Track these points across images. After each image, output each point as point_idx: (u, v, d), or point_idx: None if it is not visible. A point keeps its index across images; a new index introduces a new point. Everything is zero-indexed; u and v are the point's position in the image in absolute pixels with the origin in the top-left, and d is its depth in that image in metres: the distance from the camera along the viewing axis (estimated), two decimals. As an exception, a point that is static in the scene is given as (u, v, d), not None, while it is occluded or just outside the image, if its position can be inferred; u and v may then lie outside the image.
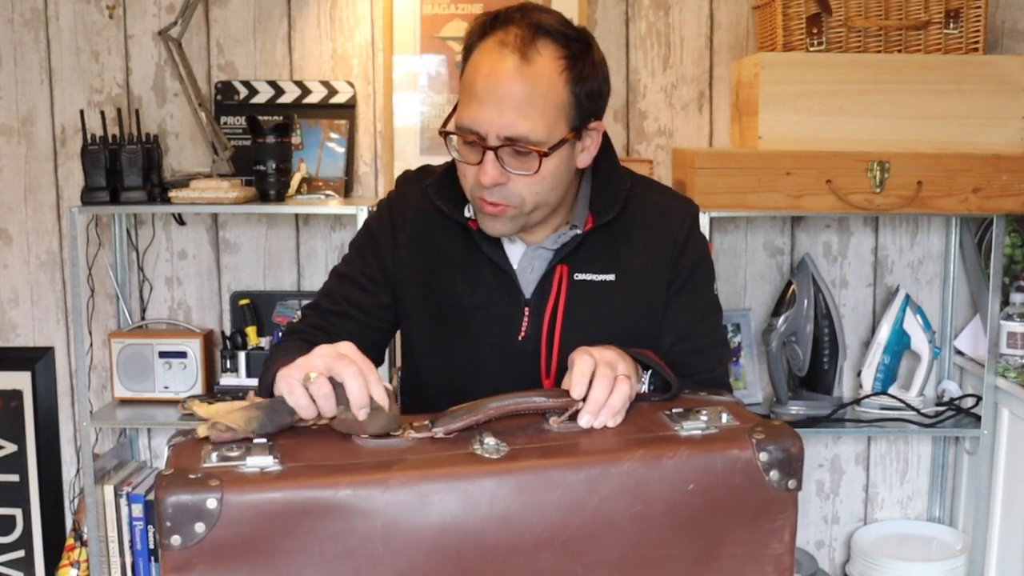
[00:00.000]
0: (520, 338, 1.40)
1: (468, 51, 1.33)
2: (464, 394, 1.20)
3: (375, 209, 1.52)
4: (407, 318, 1.46)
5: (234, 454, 1.02)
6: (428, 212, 1.44)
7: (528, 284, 1.42)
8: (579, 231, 1.40)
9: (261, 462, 1.00)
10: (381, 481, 0.99)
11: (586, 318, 1.39)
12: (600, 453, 1.06)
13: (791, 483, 1.09)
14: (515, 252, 1.43)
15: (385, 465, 1.01)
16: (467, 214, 1.41)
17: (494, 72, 1.28)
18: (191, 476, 0.98)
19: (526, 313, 1.40)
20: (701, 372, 1.42)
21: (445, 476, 1.01)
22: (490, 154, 1.29)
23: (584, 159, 1.39)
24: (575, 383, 1.13)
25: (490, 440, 1.05)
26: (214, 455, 1.02)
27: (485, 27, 1.32)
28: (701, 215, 2.28)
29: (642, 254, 1.42)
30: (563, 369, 1.24)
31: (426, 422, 1.09)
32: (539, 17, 1.31)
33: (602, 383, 1.13)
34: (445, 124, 1.36)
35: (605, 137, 1.44)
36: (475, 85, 1.29)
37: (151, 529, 2.54)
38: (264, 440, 1.06)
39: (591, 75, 1.35)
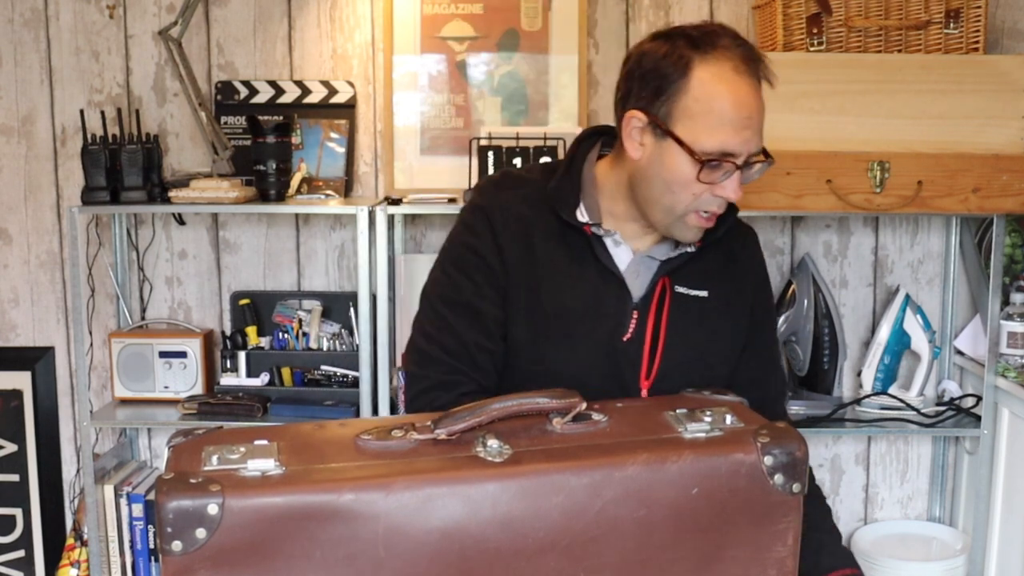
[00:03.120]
0: (626, 339, 1.43)
1: (684, 69, 1.35)
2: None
3: (466, 221, 1.48)
4: (511, 322, 1.44)
5: (235, 456, 1.01)
6: (527, 217, 1.45)
7: (635, 289, 1.46)
8: (692, 248, 1.46)
9: (262, 465, 0.99)
10: (384, 485, 0.98)
11: (685, 328, 1.45)
12: (604, 457, 1.05)
13: (795, 487, 1.07)
14: (621, 257, 1.47)
15: (388, 469, 1.00)
16: (581, 219, 1.44)
17: (743, 98, 1.34)
18: (192, 480, 0.96)
19: (634, 316, 1.44)
20: (775, 402, 1.53)
21: (448, 480, 1.00)
22: (738, 173, 1.35)
23: None
24: None
25: (493, 442, 1.05)
26: (215, 458, 1.01)
27: (697, 46, 1.35)
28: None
29: (726, 272, 1.50)
30: (662, 374, 1.38)
31: (428, 423, 1.09)
32: (741, 39, 1.38)
33: None
34: (702, 161, 1.35)
35: None
36: (725, 109, 1.33)
37: (151, 529, 2.54)
38: (266, 441, 1.05)
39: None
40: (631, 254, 1.47)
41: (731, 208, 1.45)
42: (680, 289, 1.46)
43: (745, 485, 1.06)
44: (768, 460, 1.06)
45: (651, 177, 1.40)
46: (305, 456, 1.03)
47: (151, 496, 2.54)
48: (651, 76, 1.39)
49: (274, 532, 0.96)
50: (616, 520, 1.03)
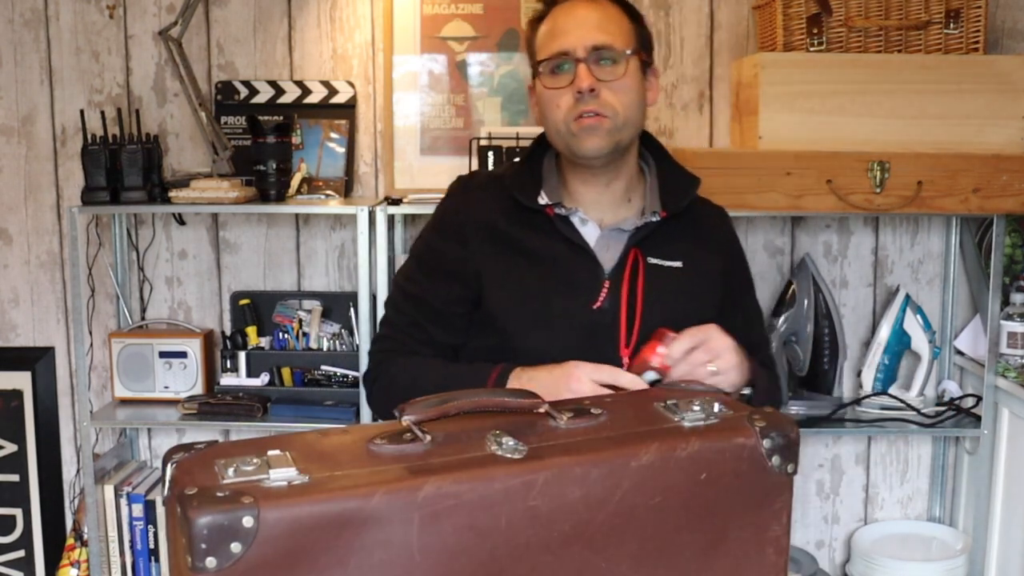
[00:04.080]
0: (596, 306, 1.50)
1: (539, 20, 1.55)
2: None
3: (435, 219, 1.62)
4: (488, 306, 1.54)
5: (251, 467, 0.99)
6: (493, 210, 1.56)
7: (606, 262, 1.53)
8: (657, 218, 1.54)
9: (286, 475, 0.97)
10: (414, 488, 0.97)
11: (660, 297, 1.52)
12: (619, 448, 1.07)
13: (790, 467, 1.12)
14: (589, 234, 1.55)
15: (413, 471, 1.00)
16: (542, 201, 1.54)
17: (570, 10, 1.50)
18: (219, 494, 0.94)
19: (605, 285, 1.51)
20: (761, 355, 1.60)
21: (477, 478, 1.00)
22: (582, 65, 1.46)
23: (652, 95, 1.58)
24: (678, 343, 1.37)
25: (508, 440, 1.06)
26: (231, 470, 0.98)
27: (546, 4, 1.55)
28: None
29: (700, 244, 1.59)
30: (640, 342, 1.44)
31: (406, 418, 1.09)
32: None
33: (682, 367, 1.36)
34: (535, 66, 1.53)
35: (661, 145, 1.66)
36: (556, 25, 1.50)
37: (151, 529, 2.54)
38: (279, 451, 1.04)
39: (643, 22, 1.58)
40: (598, 229, 1.56)
41: (692, 180, 1.61)
42: (653, 260, 1.54)
43: (747, 468, 1.10)
44: (767, 443, 1.10)
45: (542, 118, 1.54)
46: (322, 464, 1.01)
47: (151, 496, 2.54)
48: (528, 48, 1.58)
49: (309, 541, 0.95)
50: (634, 508, 1.05)
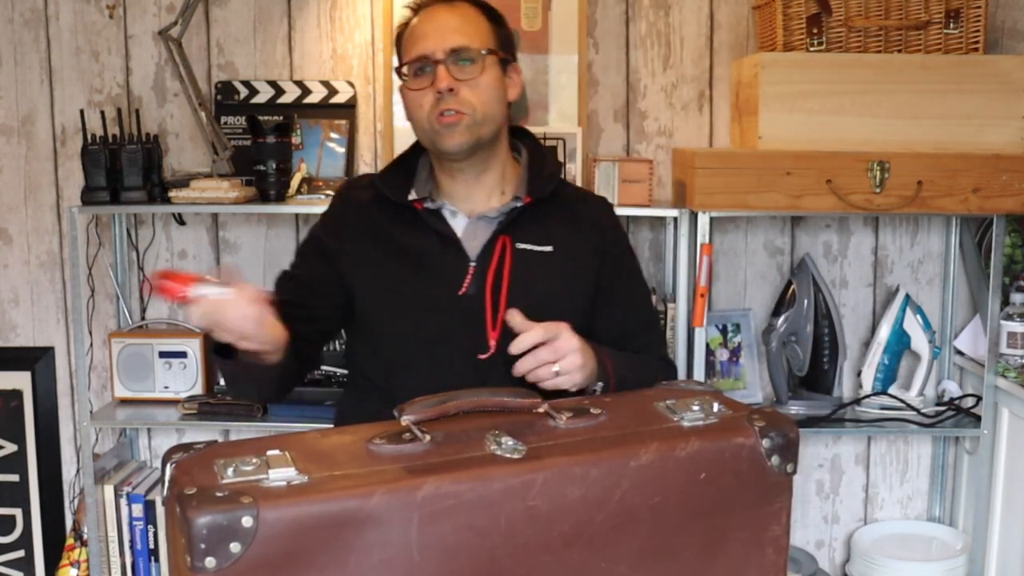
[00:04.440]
0: (462, 292, 1.56)
1: (403, 26, 1.63)
2: (421, 350, 1.54)
3: (321, 216, 1.74)
4: (360, 294, 1.61)
5: (251, 467, 0.99)
6: (371, 207, 1.64)
7: (473, 250, 1.59)
8: (520, 203, 1.60)
9: (285, 475, 0.98)
10: (413, 487, 0.98)
11: (528, 281, 1.57)
12: (618, 448, 1.07)
13: (790, 467, 1.12)
14: (458, 225, 1.62)
15: (412, 471, 1.00)
16: (411, 197, 1.61)
17: (430, 16, 1.59)
18: (218, 494, 0.94)
19: (470, 271, 1.57)
20: (651, 349, 1.69)
21: (476, 477, 1.00)
22: (441, 66, 1.54)
23: (512, 92, 1.65)
24: (524, 337, 1.42)
25: (507, 440, 1.06)
26: (230, 470, 0.99)
27: (413, 11, 1.62)
28: (701, 215, 2.30)
29: (573, 231, 1.63)
30: (508, 325, 1.48)
31: (408, 417, 1.09)
32: None
33: (527, 362, 1.42)
34: (399, 68, 1.61)
35: (536, 138, 1.75)
36: (416, 30, 1.59)
37: (151, 529, 2.54)
38: (278, 451, 1.04)
39: (503, 23, 1.66)
40: (466, 219, 1.62)
41: (557, 168, 1.69)
42: (522, 246, 1.59)
43: (746, 468, 1.10)
44: (766, 443, 1.11)
45: (409, 119, 1.62)
46: (321, 464, 1.01)
47: (151, 496, 2.54)
48: (396, 53, 1.66)
49: (308, 541, 0.95)
50: (633, 508, 1.05)
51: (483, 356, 1.51)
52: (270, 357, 1.42)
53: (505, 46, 1.64)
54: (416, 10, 1.63)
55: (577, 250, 1.62)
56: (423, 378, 1.50)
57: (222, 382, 2.50)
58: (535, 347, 1.42)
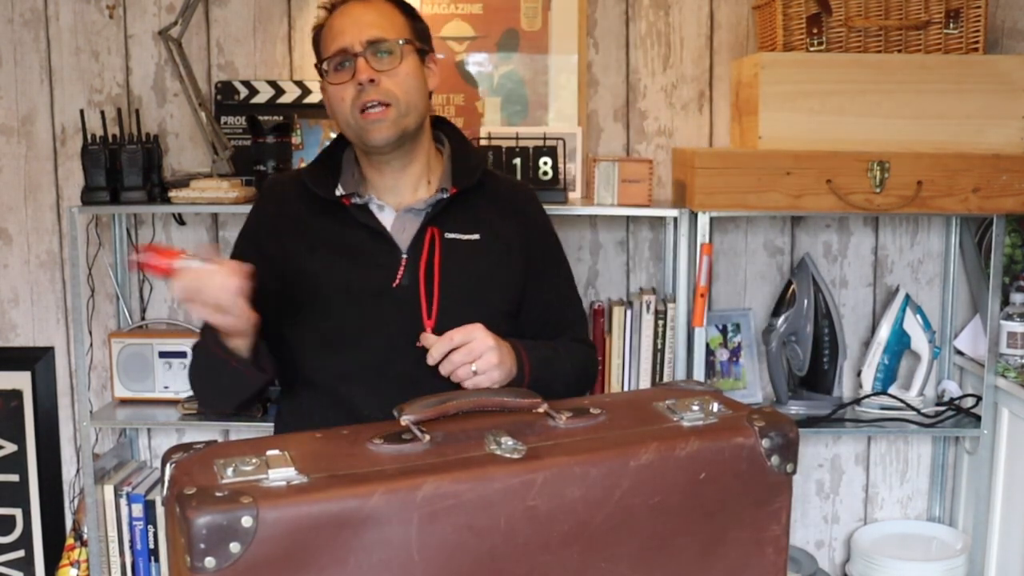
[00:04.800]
0: (395, 284, 1.59)
1: (320, 27, 1.66)
2: (360, 343, 1.57)
3: (249, 214, 1.74)
4: (296, 293, 1.62)
5: (250, 467, 0.99)
6: (298, 204, 1.66)
7: (403, 243, 1.62)
8: (447, 194, 1.64)
9: (285, 475, 0.98)
10: (413, 487, 0.98)
11: (458, 270, 1.61)
12: (618, 447, 1.07)
13: (789, 467, 1.13)
14: (387, 219, 1.65)
15: (412, 471, 1.00)
16: (338, 192, 1.64)
17: (345, 12, 1.61)
18: (218, 494, 0.94)
19: (403, 262, 1.60)
20: (571, 329, 1.74)
21: (475, 477, 1.00)
22: (360, 59, 1.57)
23: (433, 81, 1.68)
24: (437, 346, 1.47)
25: (507, 440, 1.06)
26: (229, 470, 0.99)
27: (328, 10, 1.65)
28: (701, 215, 2.30)
29: (500, 218, 1.67)
30: (443, 312, 1.56)
31: (413, 418, 1.09)
32: None
33: (445, 366, 1.47)
34: (319, 64, 1.65)
35: (458, 129, 1.78)
36: (333, 26, 1.61)
37: (151, 529, 2.54)
38: (277, 451, 1.04)
39: (418, 16, 1.68)
40: (395, 212, 1.65)
41: (482, 158, 1.73)
42: (450, 235, 1.63)
43: (746, 468, 1.10)
44: (766, 443, 1.11)
45: (332, 115, 1.65)
46: (321, 464, 1.01)
47: (151, 496, 2.54)
48: (315, 51, 1.69)
49: (307, 541, 0.95)
50: (633, 508, 1.05)
51: (421, 345, 1.53)
52: (243, 341, 1.47)
53: (422, 37, 1.67)
54: (331, 9, 1.66)
55: (504, 237, 1.66)
56: (364, 372, 1.56)
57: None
58: (452, 351, 1.48)
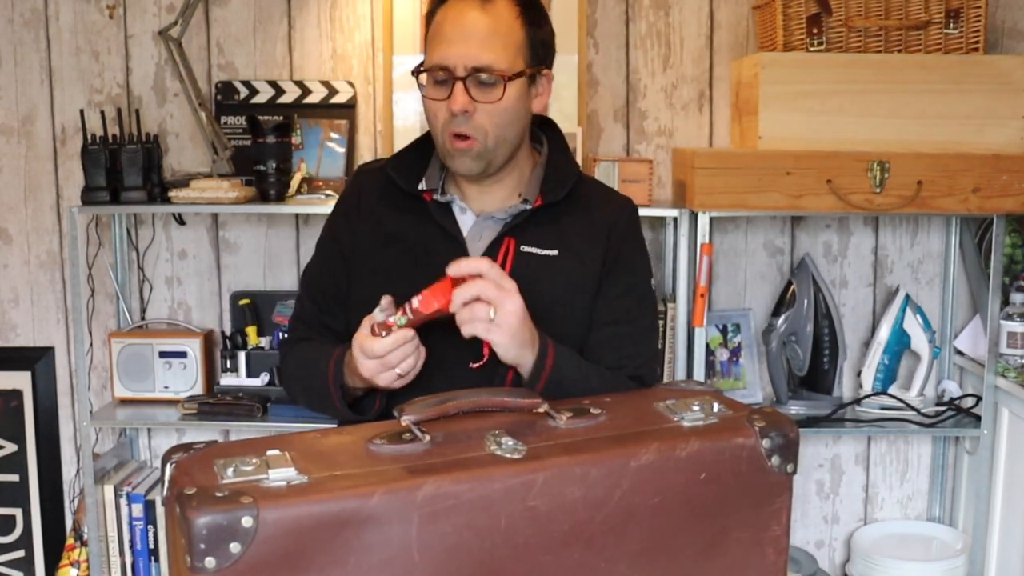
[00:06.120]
0: None
1: (432, 14, 1.51)
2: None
3: (334, 208, 1.66)
4: (354, 287, 1.56)
5: (250, 467, 0.99)
6: (378, 195, 1.58)
7: (476, 251, 1.52)
8: (529, 206, 1.53)
9: (285, 475, 0.98)
10: (413, 487, 0.98)
11: (530, 286, 1.47)
12: (618, 448, 1.07)
13: (789, 467, 1.12)
14: (465, 222, 1.56)
15: (412, 471, 1.00)
16: (421, 187, 1.55)
17: (459, 15, 1.46)
18: (218, 494, 0.94)
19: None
20: (628, 362, 1.53)
21: (476, 478, 1.00)
22: (459, 84, 1.44)
23: (538, 104, 1.56)
24: (469, 263, 1.35)
25: (507, 440, 1.05)
26: (230, 470, 0.99)
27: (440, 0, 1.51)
28: (701, 215, 2.29)
29: (583, 234, 1.55)
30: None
31: (406, 417, 1.09)
32: None
33: (464, 292, 1.34)
34: (417, 72, 1.51)
35: (560, 133, 1.66)
36: (443, 29, 1.47)
37: (151, 529, 2.54)
38: (278, 451, 1.04)
39: (543, 22, 1.54)
40: (475, 217, 1.56)
41: (573, 171, 1.59)
42: (527, 249, 1.52)
43: (746, 468, 1.10)
44: (766, 443, 1.11)
45: (427, 118, 1.53)
46: (321, 464, 1.01)
47: (151, 496, 2.54)
48: (423, 39, 1.55)
49: (308, 541, 0.95)
50: (633, 508, 1.05)
51: (475, 365, 1.44)
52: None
53: (538, 54, 1.53)
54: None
55: (585, 255, 1.54)
56: (413, 387, 1.43)
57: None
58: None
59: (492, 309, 1.34)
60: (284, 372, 1.64)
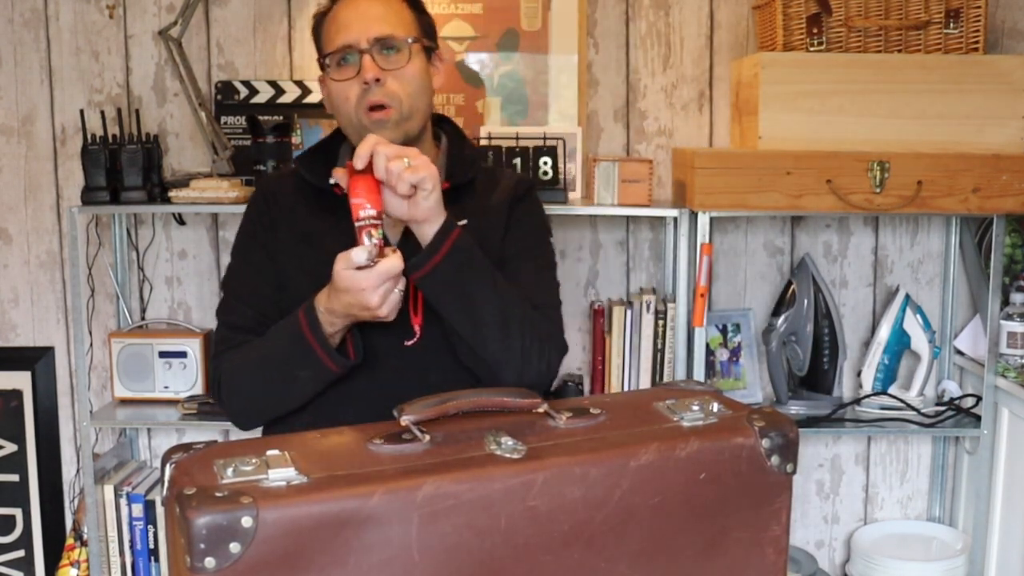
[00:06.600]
0: None
1: (321, 17, 1.61)
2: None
3: (245, 211, 1.69)
4: (294, 283, 1.58)
5: (250, 467, 0.99)
6: (291, 194, 1.64)
7: (394, 236, 1.57)
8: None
9: (285, 475, 0.97)
10: (413, 487, 0.97)
11: None
12: (618, 447, 1.07)
13: (789, 467, 1.12)
14: None
15: (412, 471, 1.00)
16: (332, 181, 1.56)
17: (350, 3, 1.57)
18: (218, 494, 0.94)
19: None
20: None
21: (476, 478, 1.00)
22: (366, 56, 1.53)
23: (438, 80, 1.65)
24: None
25: (507, 440, 1.06)
26: (229, 470, 0.98)
27: (330, 0, 1.61)
28: (701, 215, 2.30)
29: (492, 208, 1.63)
30: (427, 302, 1.48)
31: (413, 418, 1.09)
32: None
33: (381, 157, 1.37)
34: (321, 61, 1.60)
35: (457, 127, 1.74)
36: (338, 18, 1.57)
37: (151, 529, 2.54)
38: (277, 451, 1.04)
39: (425, 11, 1.65)
40: None
41: (477, 154, 1.68)
42: None
43: (746, 468, 1.10)
44: (766, 443, 1.11)
45: (333, 110, 1.61)
46: (321, 464, 1.01)
47: (151, 496, 2.54)
48: (315, 42, 1.66)
49: (308, 541, 0.95)
50: (633, 508, 1.05)
51: (410, 342, 1.49)
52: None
53: (428, 34, 1.63)
54: (332, 2, 1.60)
55: (488, 225, 1.60)
56: (356, 372, 1.49)
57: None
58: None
59: (405, 160, 1.38)
60: (227, 377, 1.59)
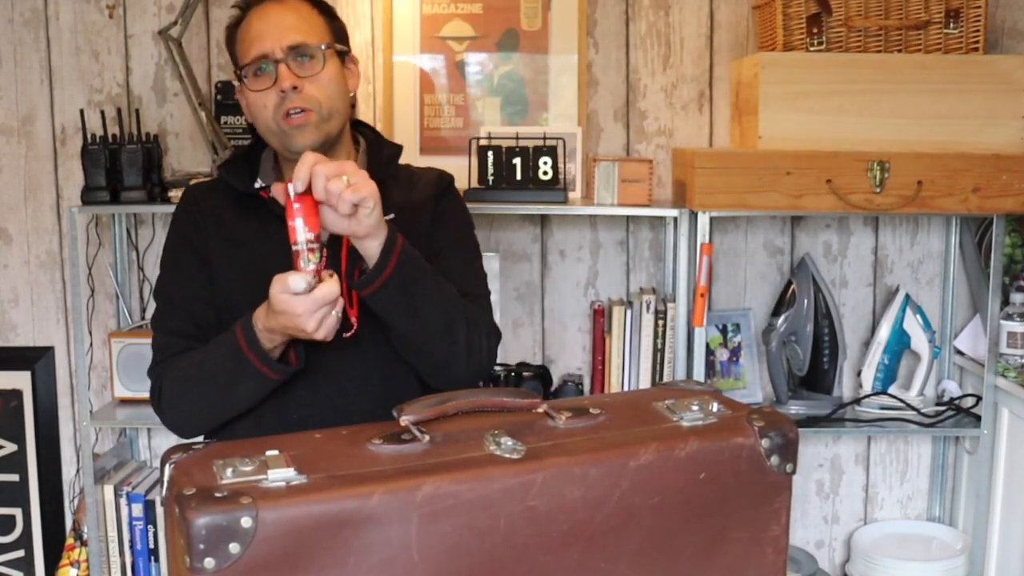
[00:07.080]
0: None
1: (233, 29, 1.62)
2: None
3: (171, 222, 1.71)
4: (225, 289, 1.60)
5: (250, 468, 0.99)
6: (217, 202, 1.65)
7: (323, 236, 1.52)
8: None
9: (284, 475, 0.98)
10: (413, 487, 0.98)
11: None
12: (617, 448, 1.07)
13: (789, 467, 1.13)
14: None
15: (412, 471, 1.00)
16: (257, 186, 1.63)
17: (263, 14, 1.58)
18: (218, 495, 0.94)
19: (323, 254, 1.51)
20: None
21: (475, 478, 1.00)
22: (282, 65, 1.54)
23: (353, 82, 1.66)
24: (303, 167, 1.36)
25: (507, 440, 1.06)
26: (229, 470, 0.99)
27: (242, 10, 1.61)
28: (701, 215, 2.30)
29: (415, 202, 1.66)
30: (362, 297, 1.46)
31: (414, 418, 1.09)
32: None
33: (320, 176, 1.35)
34: (238, 72, 1.59)
35: (374, 129, 1.78)
36: (251, 29, 1.57)
37: (151, 529, 2.54)
38: (277, 452, 1.04)
39: (335, 16, 1.66)
40: None
41: (396, 149, 1.71)
42: None
43: (746, 468, 1.10)
44: (765, 443, 1.11)
45: (252, 119, 1.61)
46: (321, 465, 1.01)
47: (151, 496, 2.54)
48: (230, 53, 1.65)
49: (307, 541, 0.95)
50: (632, 508, 1.05)
51: (348, 334, 1.48)
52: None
53: (341, 38, 1.64)
54: (245, 9, 1.61)
55: (414, 215, 1.62)
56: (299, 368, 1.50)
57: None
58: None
59: (344, 178, 1.36)
60: (168, 390, 1.57)
